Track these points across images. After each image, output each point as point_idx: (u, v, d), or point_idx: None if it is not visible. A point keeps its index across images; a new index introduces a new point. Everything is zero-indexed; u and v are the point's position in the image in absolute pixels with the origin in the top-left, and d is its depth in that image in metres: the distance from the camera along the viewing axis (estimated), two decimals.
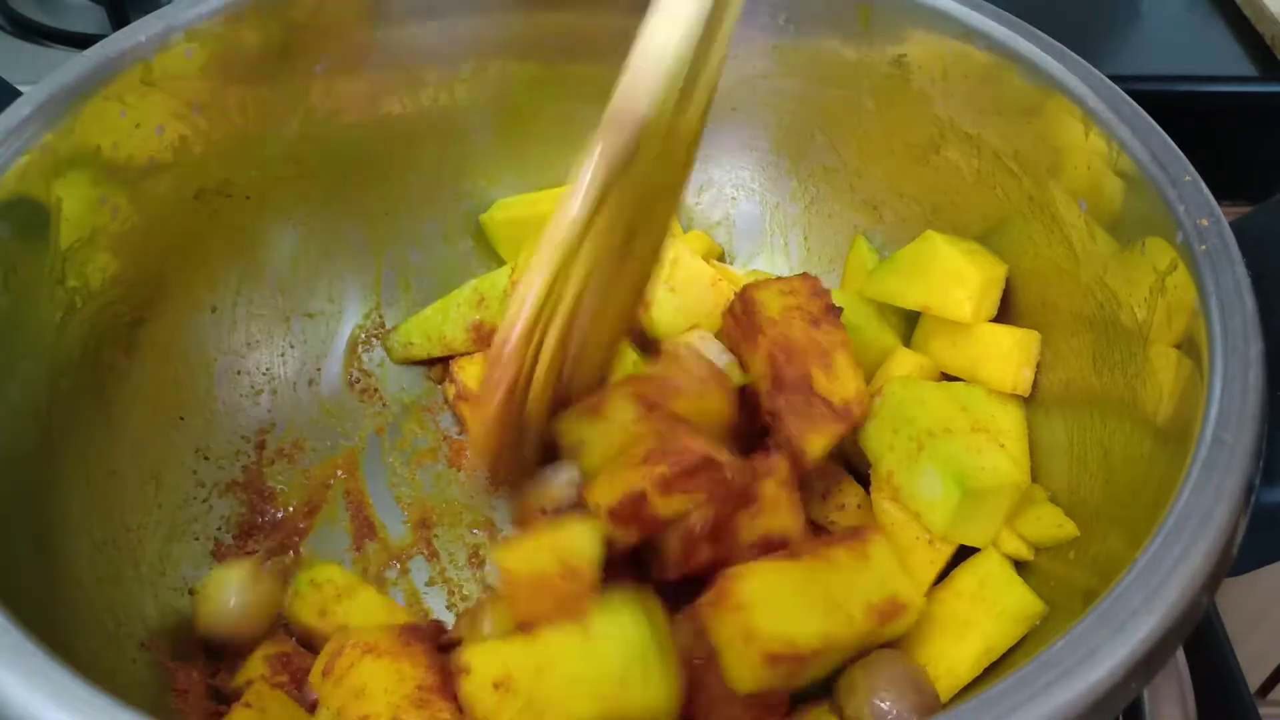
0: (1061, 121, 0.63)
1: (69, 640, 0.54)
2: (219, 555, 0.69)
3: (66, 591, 0.57)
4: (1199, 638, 0.69)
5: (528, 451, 0.62)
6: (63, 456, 0.61)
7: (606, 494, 0.58)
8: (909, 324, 0.73)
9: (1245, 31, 0.95)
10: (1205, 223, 0.54)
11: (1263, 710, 0.72)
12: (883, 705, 0.54)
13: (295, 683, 0.61)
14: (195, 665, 0.63)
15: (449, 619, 0.68)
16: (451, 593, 0.70)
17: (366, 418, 0.79)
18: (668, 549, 0.59)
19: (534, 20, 0.77)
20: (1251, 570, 0.49)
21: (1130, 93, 0.62)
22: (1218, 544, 0.44)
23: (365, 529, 0.73)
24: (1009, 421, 0.66)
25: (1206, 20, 0.98)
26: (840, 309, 0.66)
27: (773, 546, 0.59)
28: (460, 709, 0.53)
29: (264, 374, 0.76)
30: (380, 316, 0.81)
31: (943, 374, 0.71)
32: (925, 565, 0.62)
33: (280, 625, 0.66)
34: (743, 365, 0.68)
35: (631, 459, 0.58)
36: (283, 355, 0.77)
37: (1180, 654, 0.63)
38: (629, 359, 0.70)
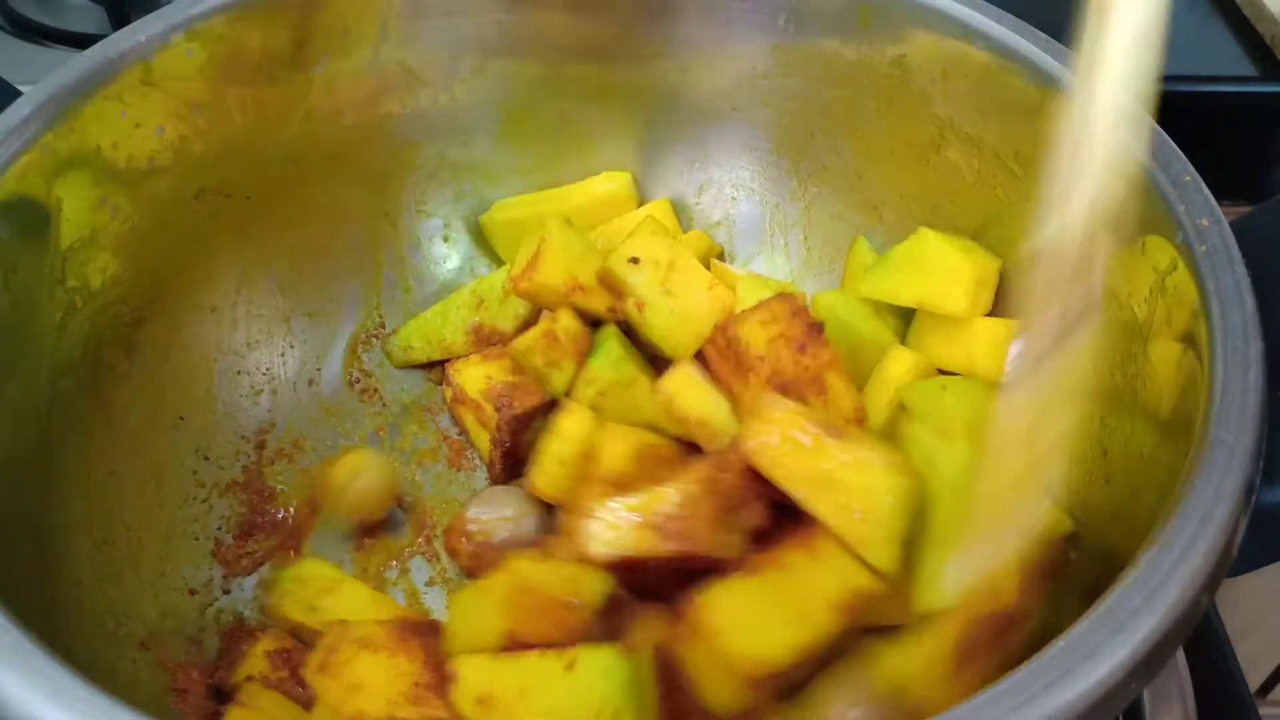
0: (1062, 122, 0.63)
1: (69, 640, 0.55)
2: (219, 555, 0.69)
3: (66, 591, 0.58)
4: (1199, 638, 0.69)
5: None
6: (63, 456, 0.61)
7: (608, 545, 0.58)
8: (904, 322, 0.74)
9: (1245, 31, 0.95)
10: (1205, 223, 0.54)
11: (1263, 710, 0.72)
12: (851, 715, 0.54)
13: (296, 679, 0.61)
14: (195, 665, 0.63)
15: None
16: (451, 593, 0.70)
17: (366, 418, 0.79)
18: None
19: (535, 20, 0.77)
20: (1251, 570, 0.49)
21: None
22: (1218, 544, 0.43)
23: (365, 529, 0.73)
24: None
25: (1206, 20, 0.98)
26: (822, 324, 0.65)
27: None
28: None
29: (264, 374, 0.76)
30: (380, 317, 0.81)
31: (939, 370, 0.71)
32: None
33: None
34: (733, 399, 0.67)
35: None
36: (283, 355, 0.77)
37: (1180, 654, 0.63)
38: (614, 354, 0.70)
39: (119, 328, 0.66)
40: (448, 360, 0.78)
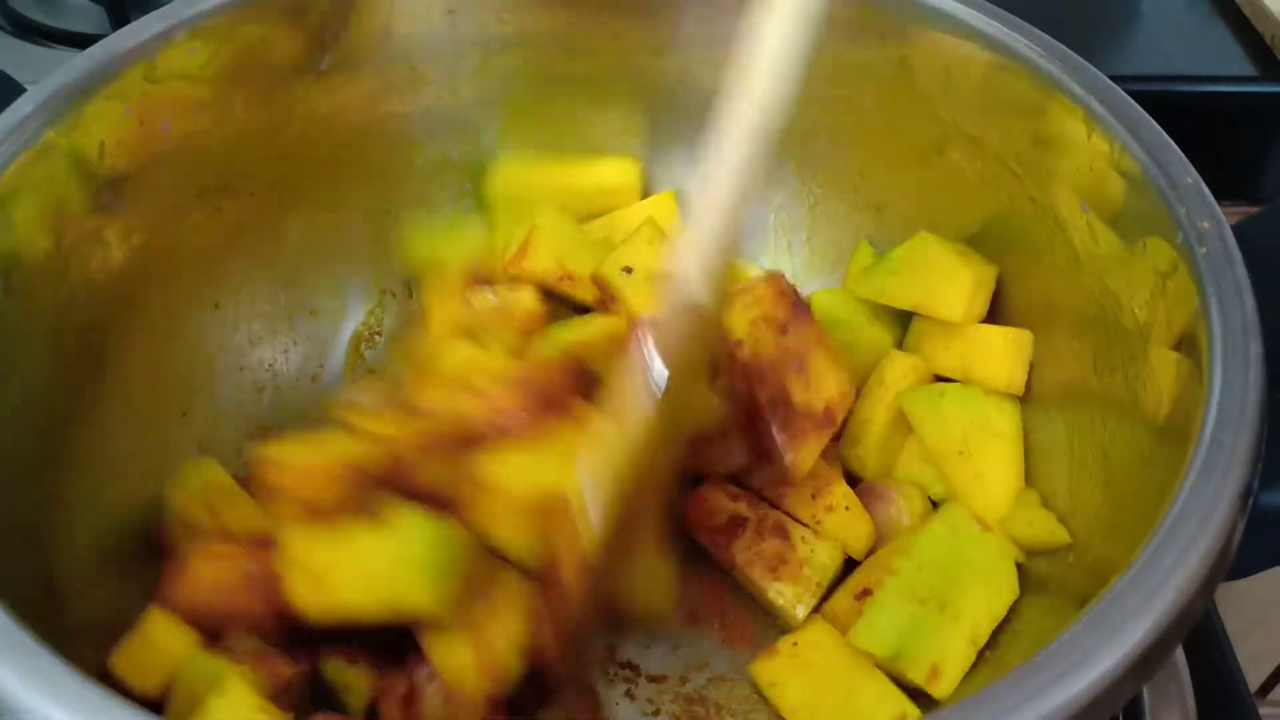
0: (1064, 123, 0.63)
1: (70, 638, 0.55)
2: None
3: (68, 590, 0.58)
4: (1199, 638, 0.69)
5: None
6: (63, 454, 0.61)
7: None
8: (902, 326, 0.74)
9: (1245, 31, 0.95)
10: (1206, 225, 0.54)
11: (1263, 710, 0.72)
12: None
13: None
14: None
15: None
16: None
17: None
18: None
19: (536, 17, 0.77)
20: (1250, 575, 0.50)
21: (1130, 93, 0.62)
22: (1215, 547, 0.44)
23: None
24: (1005, 423, 0.67)
25: (1206, 20, 0.98)
26: (809, 303, 0.65)
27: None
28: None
29: (267, 370, 0.76)
30: (382, 314, 0.81)
31: (935, 376, 0.71)
32: None
33: None
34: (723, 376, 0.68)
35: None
36: (285, 352, 0.77)
37: (1180, 654, 0.63)
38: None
39: (121, 325, 0.66)
40: None
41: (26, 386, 0.58)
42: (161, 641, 0.58)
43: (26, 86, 0.62)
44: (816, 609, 0.64)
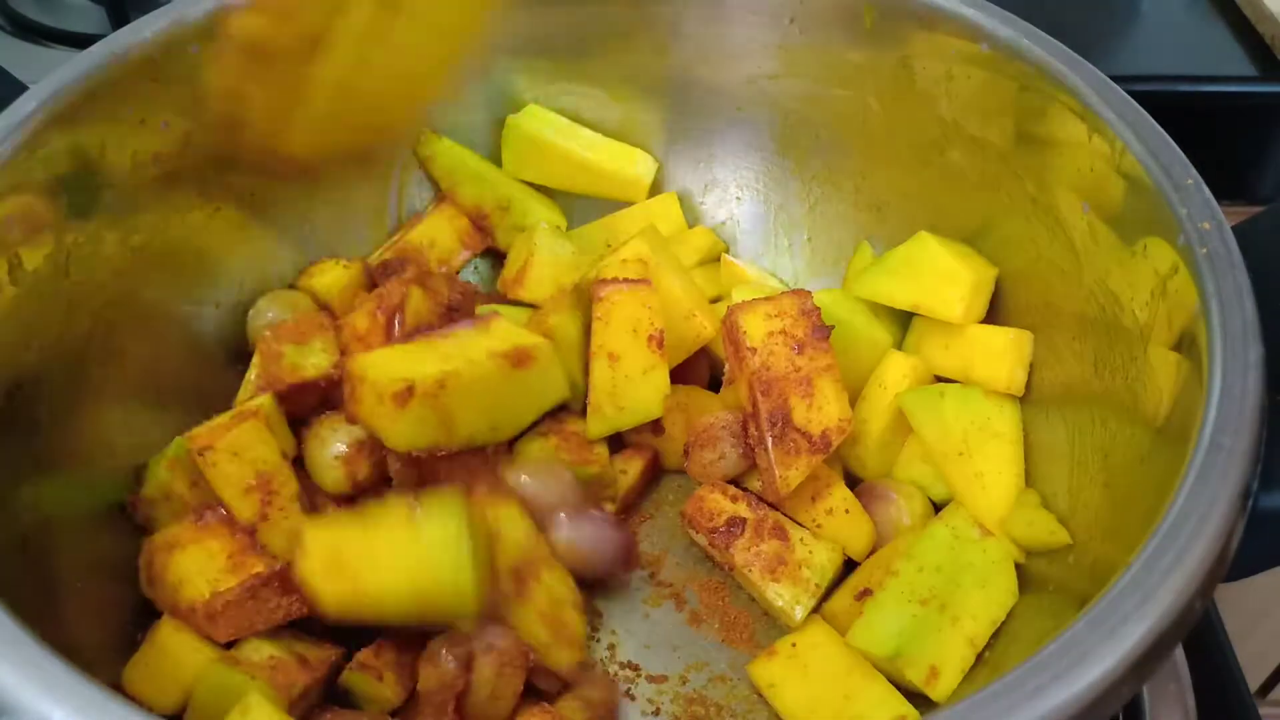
0: (1065, 123, 0.63)
1: (68, 634, 0.55)
2: None
3: (68, 586, 0.58)
4: (1199, 638, 0.69)
5: None
6: (64, 451, 0.61)
7: None
8: (902, 327, 0.74)
9: (1245, 31, 0.95)
10: (1207, 226, 0.54)
11: (1263, 710, 0.72)
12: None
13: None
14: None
15: None
16: None
17: None
18: None
19: (536, 17, 0.77)
20: (1250, 575, 0.50)
21: (1130, 93, 0.62)
22: (1213, 548, 0.44)
23: None
24: (1005, 423, 0.67)
25: (1206, 20, 0.98)
26: (830, 328, 0.65)
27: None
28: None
29: None
30: None
31: (935, 376, 0.71)
32: None
33: None
34: (732, 376, 0.69)
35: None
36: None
37: (1180, 654, 0.63)
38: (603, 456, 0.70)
39: (123, 321, 0.66)
40: None
41: (28, 382, 0.58)
42: (175, 654, 0.58)
43: (28, 86, 0.62)
44: (816, 609, 0.65)
